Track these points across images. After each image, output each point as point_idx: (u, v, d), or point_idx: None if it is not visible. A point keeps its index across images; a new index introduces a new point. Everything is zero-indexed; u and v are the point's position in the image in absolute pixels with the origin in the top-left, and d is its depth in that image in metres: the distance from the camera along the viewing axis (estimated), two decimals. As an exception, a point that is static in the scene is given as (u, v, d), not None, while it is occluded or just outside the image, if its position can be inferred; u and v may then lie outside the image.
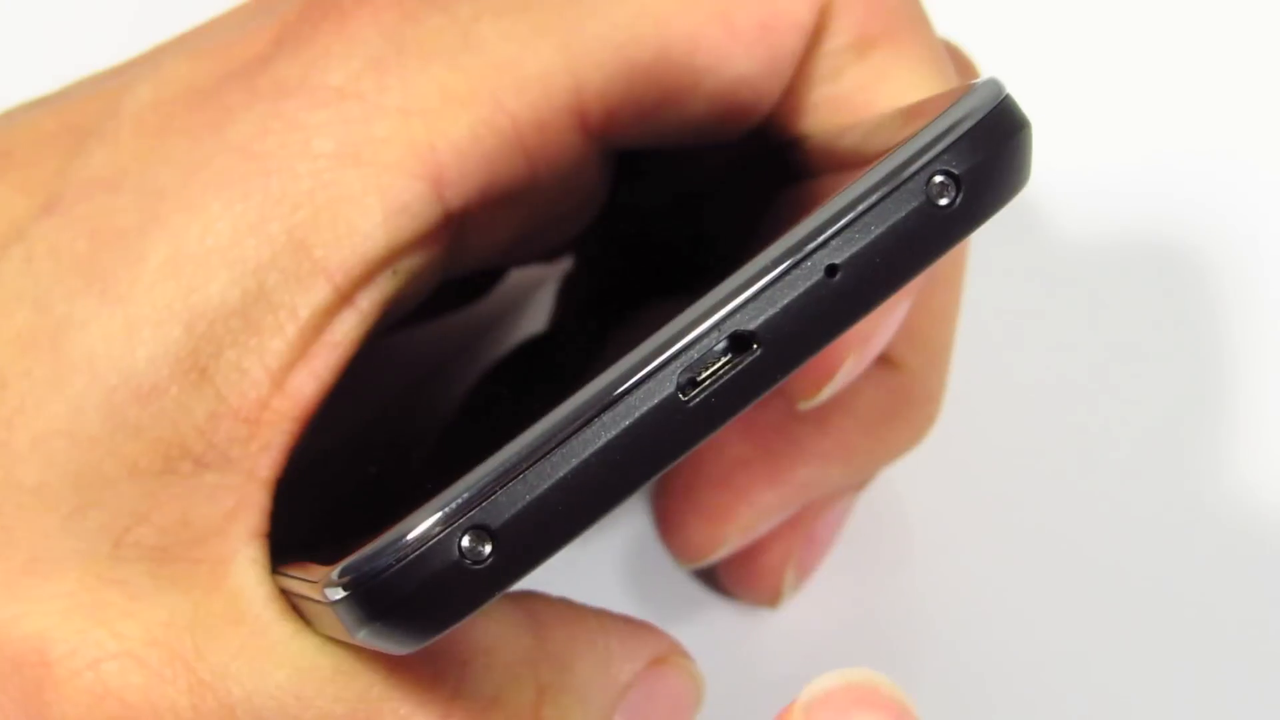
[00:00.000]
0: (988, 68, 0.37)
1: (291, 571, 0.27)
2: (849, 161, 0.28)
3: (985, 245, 0.39)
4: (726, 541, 0.37)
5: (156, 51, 0.31)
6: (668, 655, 0.31)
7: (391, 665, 0.28)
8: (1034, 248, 0.44)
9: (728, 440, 0.37)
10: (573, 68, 0.29)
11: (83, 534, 0.27)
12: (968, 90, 0.25)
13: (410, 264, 0.29)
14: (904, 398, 0.37)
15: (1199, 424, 0.42)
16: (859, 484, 0.39)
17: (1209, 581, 0.40)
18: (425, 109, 0.28)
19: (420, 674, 0.28)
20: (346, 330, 0.28)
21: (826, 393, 0.32)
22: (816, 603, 0.40)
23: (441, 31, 0.29)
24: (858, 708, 0.24)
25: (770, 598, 0.39)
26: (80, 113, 0.30)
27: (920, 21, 0.31)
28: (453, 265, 0.30)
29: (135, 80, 0.30)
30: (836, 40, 0.30)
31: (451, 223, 0.29)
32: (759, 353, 0.25)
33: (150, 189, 0.28)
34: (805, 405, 0.33)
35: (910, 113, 0.28)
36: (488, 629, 0.29)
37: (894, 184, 0.25)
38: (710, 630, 0.40)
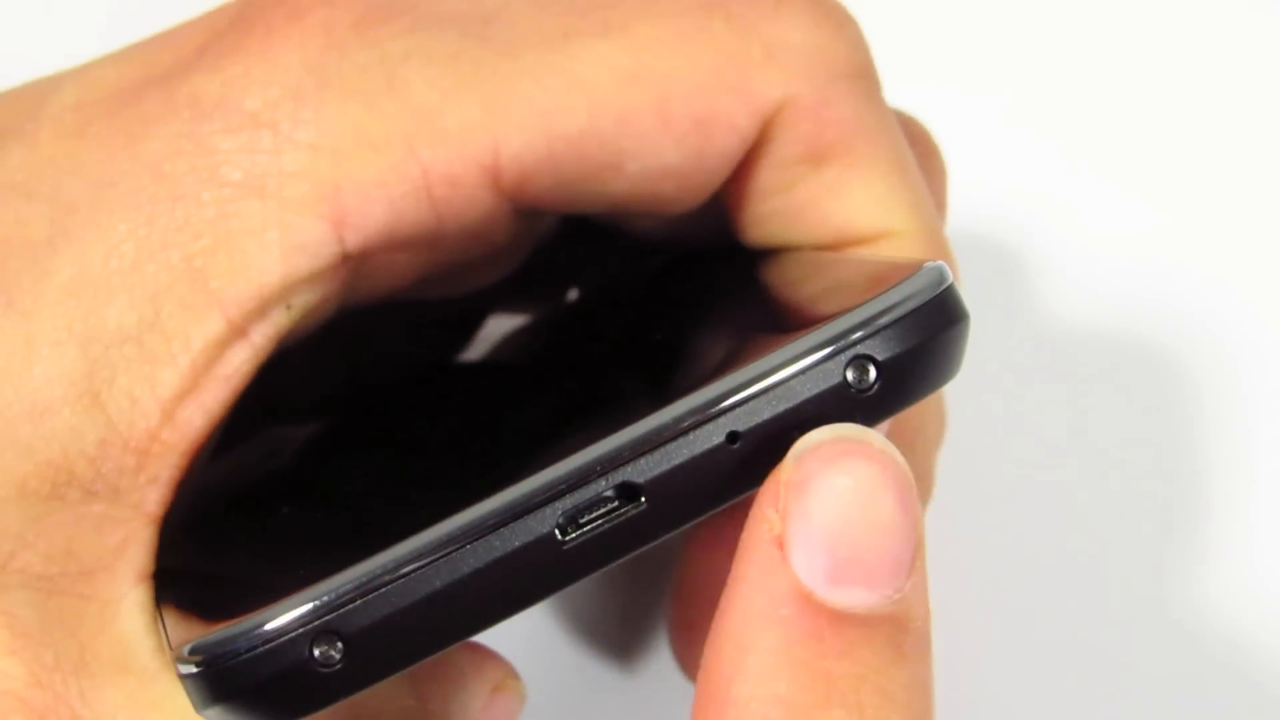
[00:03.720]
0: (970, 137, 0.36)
1: (167, 620, 0.27)
2: (797, 286, 0.27)
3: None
4: None
5: (97, 57, 0.31)
6: (504, 681, 0.31)
7: None
8: (1017, 301, 0.43)
9: (718, 566, 0.36)
10: (493, 126, 0.28)
11: None
12: (913, 271, 0.25)
13: (305, 300, 0.28)
14: None
15: (1189, 457, 0.42)
16: None
17: (1195, 605, 0.40)
18: (336, 148, 0.28)
19: None
20: (238, 364, 0.28)
21: None
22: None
23: (366, 69, 0.28)
24: (846, 458, 0.23)
25: None
26: (7, 112, 0.30)
27: (878, 129, 0.30)
28: (350, 299, 0.30)
29: (64, 81, 0.30)
30: (786, 151, 0.30)
31: (349, 263, 0.28)
32: (645, 506, 0.24)
33: (63, 200, 0.28)
34: None
35: (860, 271, 0.27)
36: (374, 692, 0.28)
37: (812, 361, 0.24)
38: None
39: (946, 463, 0.37)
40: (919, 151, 0.31)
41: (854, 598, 0.24)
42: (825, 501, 0.23)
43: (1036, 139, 0.45)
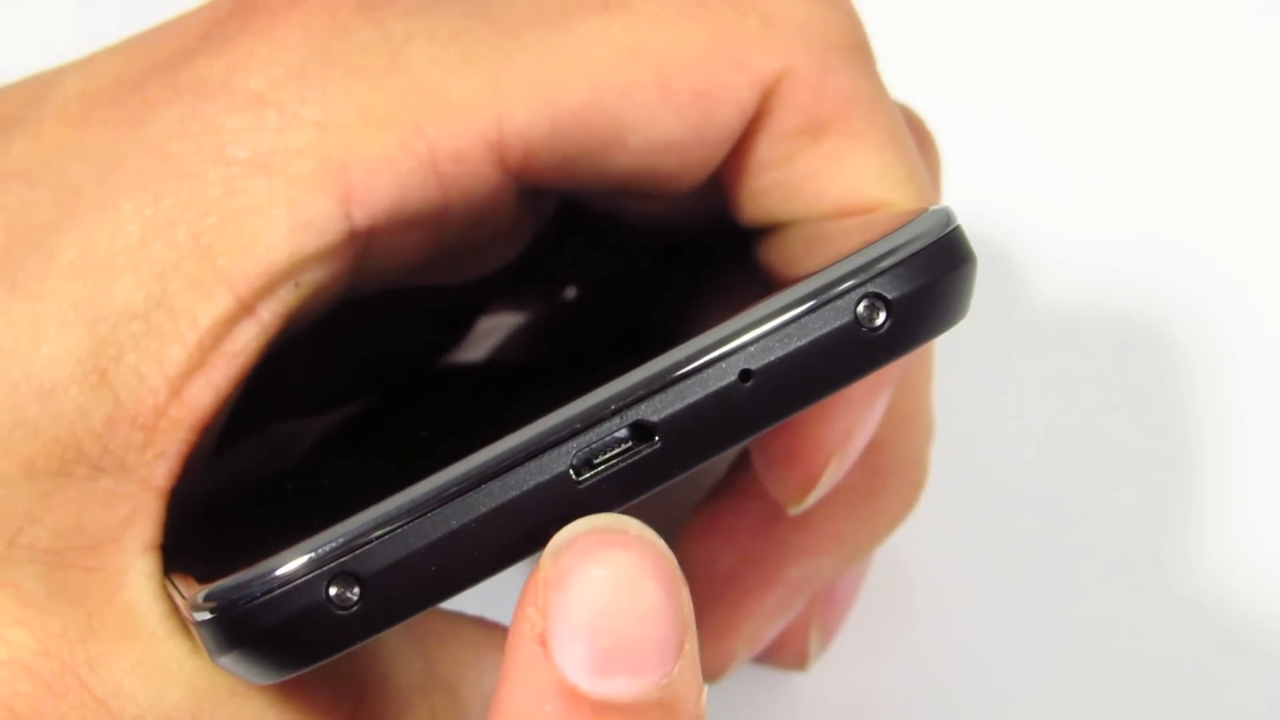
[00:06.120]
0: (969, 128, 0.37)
1: (177, 583, 0.27)
2: (797, 262, 0.28)
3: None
4: (736, 656, 0.37)
5: (100, 49, 0.31)
6: None
7: (288, 690, 0.28)
8: (1014, 300, 0.44)
9: (713, 554, 0.36)
10: (497, 102, 0.28)
11: None
12: (919, 214, 0.25)
13: (313, 277, 0.28)
14: (881, 473, 0.36)
15: (1194, 461, 0.42)
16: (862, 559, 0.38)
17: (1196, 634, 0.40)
18: (342, 125, 0.28)
19: (318, 699, 0.28)
20: (246, 341, 0.28)
21: (814, 497, 0.32)
22: (848, 661, 0.40)
23: (370, 48, 0.29)
24: (602, 548, 0.23)
25: (798, 661, 0.39)
26: (10, 102, 0.30)
27: (876, 101, 0.30)
28: (358, 281, 0.30)
29: (67, 72, 0.30)
30: (785, 123, 0.30)
31: (356, 240, 0.28)
32: (658, 445, 0.24)
33: (67, 184, 0.28)
34: (795, 510, 0.32)
35: (862, 226, 0.27)
36: (381, 654, 0.29)
37: (823, 299, 0.24)
38: (745, 698, 0.40)
39: (944, 461, 0.37)
40: (914, 138, 0.32)
41: (619, 687, 0.24)
42: (584, 594, 0.23)
43: (1030, 141, 0.45)
